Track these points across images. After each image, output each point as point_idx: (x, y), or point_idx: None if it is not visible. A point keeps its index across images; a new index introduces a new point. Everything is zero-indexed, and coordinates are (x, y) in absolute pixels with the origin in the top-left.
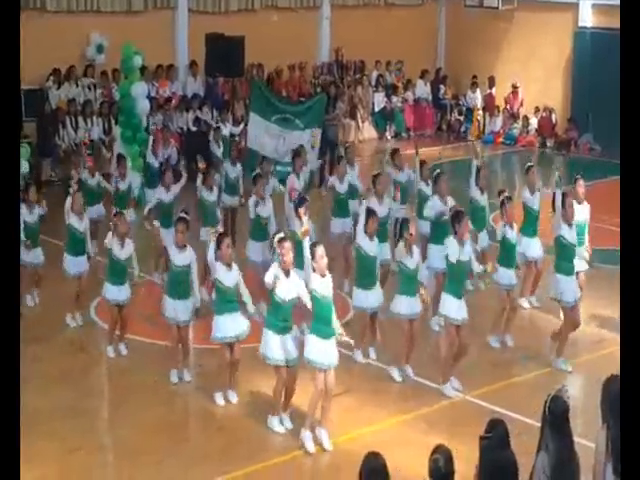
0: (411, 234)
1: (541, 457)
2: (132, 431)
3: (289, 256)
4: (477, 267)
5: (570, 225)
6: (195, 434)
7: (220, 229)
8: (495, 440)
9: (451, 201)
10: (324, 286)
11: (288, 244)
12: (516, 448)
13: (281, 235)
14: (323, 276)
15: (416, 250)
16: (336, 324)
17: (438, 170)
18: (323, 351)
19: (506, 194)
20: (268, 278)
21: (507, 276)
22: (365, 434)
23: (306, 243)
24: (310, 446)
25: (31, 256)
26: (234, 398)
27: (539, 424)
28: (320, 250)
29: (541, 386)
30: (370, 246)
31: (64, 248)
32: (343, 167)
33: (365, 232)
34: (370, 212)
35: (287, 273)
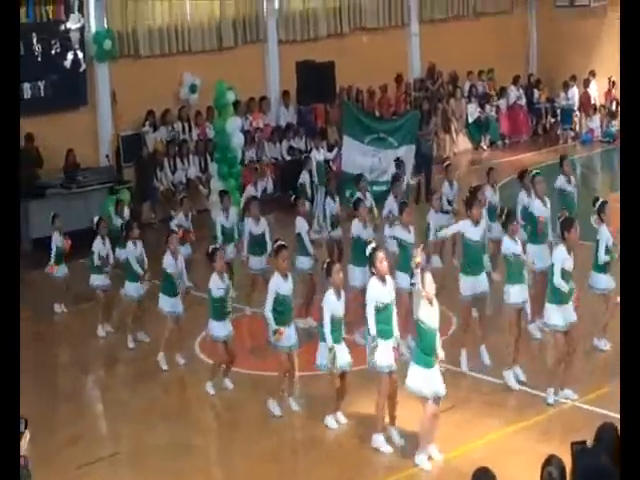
0: (516, 223)
1: None
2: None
3: (383, 265)
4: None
5: None
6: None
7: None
8: (599, 446)
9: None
10: (431, 316)
11: (381, 254)
12: None
13: (373, 245)
14: (431, 304)
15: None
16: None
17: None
18: (426, 380)
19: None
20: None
21: (602, 281)
22: (476, 447)
23: (418, 276)
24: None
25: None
26: (343, 419)
27: None
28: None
29: None
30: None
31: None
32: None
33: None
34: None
35: (383, 280)
